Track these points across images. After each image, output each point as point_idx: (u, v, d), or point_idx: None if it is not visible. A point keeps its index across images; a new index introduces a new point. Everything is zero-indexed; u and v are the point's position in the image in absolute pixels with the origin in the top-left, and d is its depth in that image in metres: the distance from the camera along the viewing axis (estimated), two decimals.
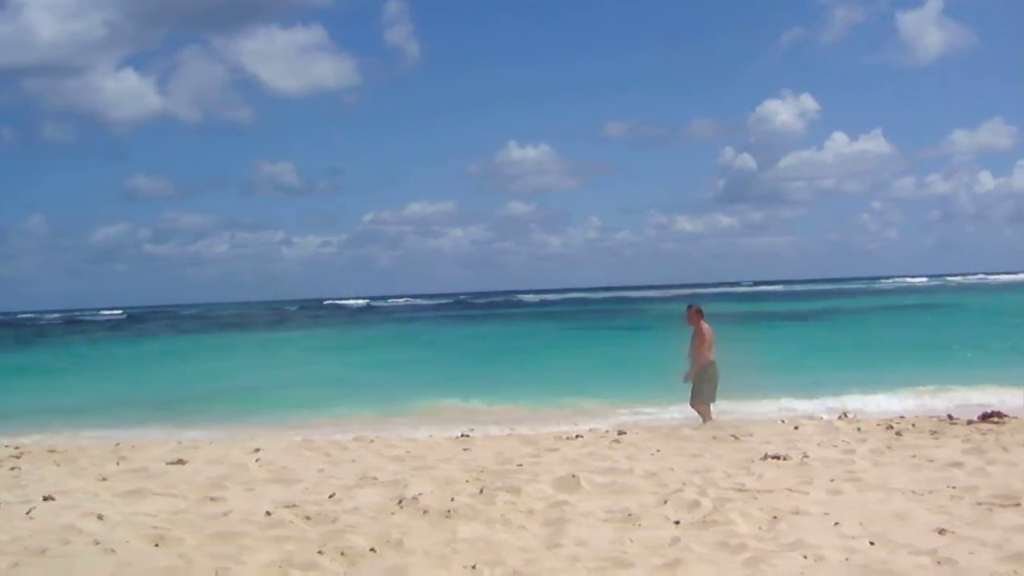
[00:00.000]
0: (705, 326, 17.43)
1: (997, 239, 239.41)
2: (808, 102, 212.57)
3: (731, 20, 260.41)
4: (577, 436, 15.41)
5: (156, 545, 8.43)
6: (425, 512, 9.67)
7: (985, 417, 15.52)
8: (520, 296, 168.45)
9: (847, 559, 7.76)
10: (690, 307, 17.92)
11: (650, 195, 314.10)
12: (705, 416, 17.21)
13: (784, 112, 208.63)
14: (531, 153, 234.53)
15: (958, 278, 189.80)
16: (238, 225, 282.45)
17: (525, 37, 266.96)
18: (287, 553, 8.27)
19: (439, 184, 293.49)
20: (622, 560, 7.97)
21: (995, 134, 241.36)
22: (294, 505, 10.08)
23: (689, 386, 17.46)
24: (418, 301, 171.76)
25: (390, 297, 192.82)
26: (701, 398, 17.32)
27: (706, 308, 17.83)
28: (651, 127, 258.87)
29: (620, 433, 15.48)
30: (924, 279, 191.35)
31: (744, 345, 45.43)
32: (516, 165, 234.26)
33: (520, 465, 12.41)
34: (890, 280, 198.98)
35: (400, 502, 10.14)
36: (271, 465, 13.01)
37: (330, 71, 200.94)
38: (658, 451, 13.39)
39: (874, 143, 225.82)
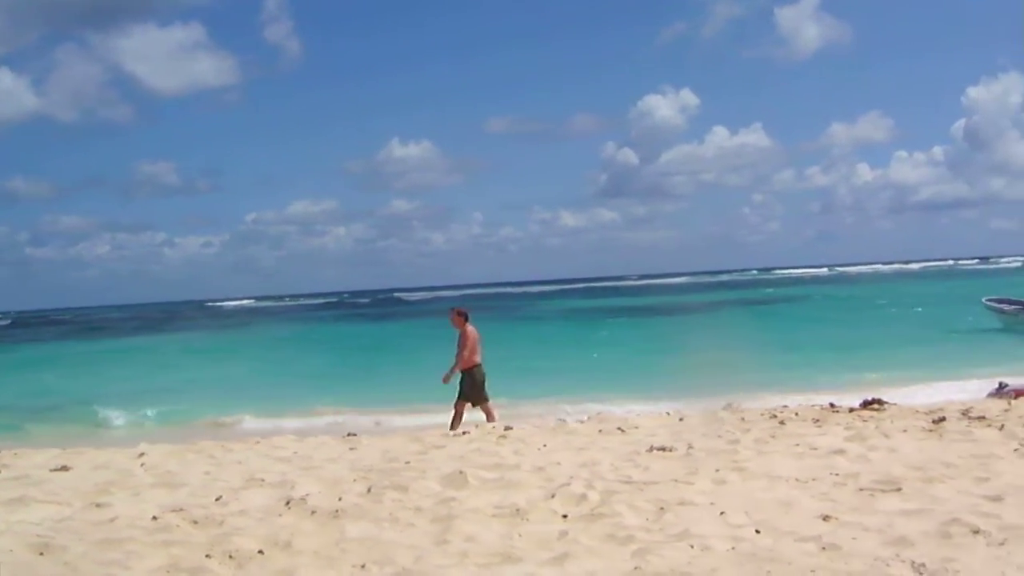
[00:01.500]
0: (469, 328, 17.64)
1: (875, 230, 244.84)
2: (688, 97, 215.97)
3: (611, 15, 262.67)
4: (464, 432, 15.39)
5: (41, 554, 8.28)
6: (313, 512, 9.61)
7: (866, 404, 15.76)
8: (404, 294, 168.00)
9: (733, 548, 7.85)
10: (452, 310, 18.13)
11: (533, 190, 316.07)
12: (457, 418, 17.44)
13: (665, 107, 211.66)
14: (413, 150, 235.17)
15: (860, 268, 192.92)
16: (119, 227, 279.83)
17: (405, 35, 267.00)
18: (174, 558, 8.16)
19: (321, 183, 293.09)
20: (511, 555, 7.99)
21: (872, 127, 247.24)
22: (180, 509, 9.92)
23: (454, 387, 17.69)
24: (302, 301, 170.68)
25: (274, 297, 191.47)
26: (463, 399, 17.54)
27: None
28: (533, 122, 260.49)
29: (507, 428, 15.49)
30: (823, 270, 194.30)
31: (634, 340, 45.90)
32: (399, 162, 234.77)
33: (407, 463, 12.36)
34: (772, 272, 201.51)
35: (288, 503, 10.05)
36: (156, 469, 12.83)
37: (210, 70, 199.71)
38: (545, 446, 13.41)
39: (754, 137, 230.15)
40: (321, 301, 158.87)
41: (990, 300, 40.32)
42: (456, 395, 17.62)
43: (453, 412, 17.53)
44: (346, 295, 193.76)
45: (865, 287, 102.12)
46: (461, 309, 18.03)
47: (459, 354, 17.54)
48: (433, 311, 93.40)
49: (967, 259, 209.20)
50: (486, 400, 17.66)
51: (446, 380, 17.51)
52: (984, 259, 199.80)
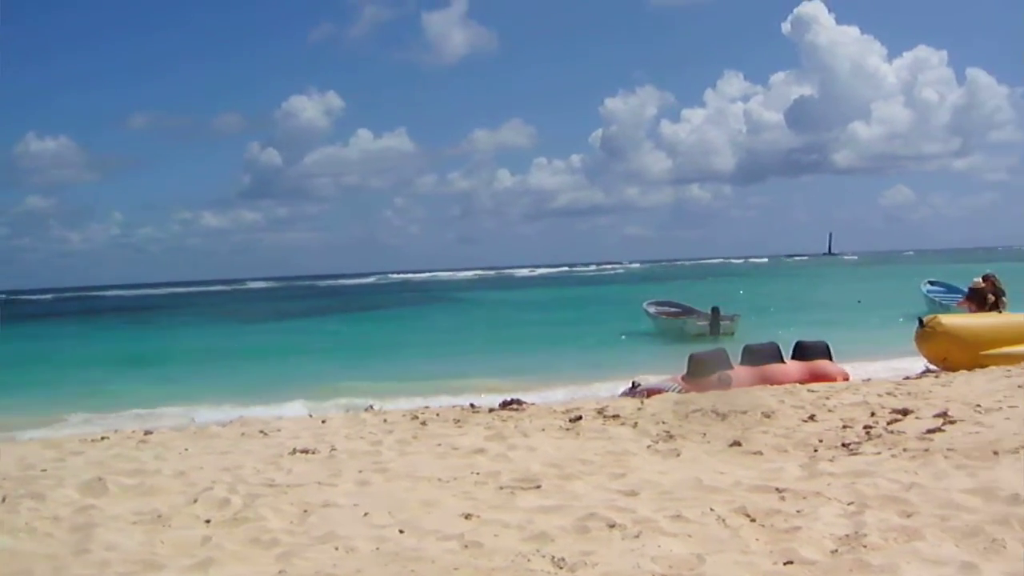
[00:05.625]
0: None
1: (515, 234, 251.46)
2: (334, 99, 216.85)
3: (260, 11, 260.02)
4: (102, 438, 14.94)
5: None
6: None
7: (505, 405, 16.13)
8: (37, 297, 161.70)
9: (378, 548, 7.90)
10: None
11: (175, 190, 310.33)
12: None
13: (310, 108, 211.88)
14: (50, 145, 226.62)
15: (508, 271, 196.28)
16: None
17: (41, 22, 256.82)
18: None
19: None
20: (153, 562, 7.82)
21: (514, 134, 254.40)
22: None
23: None
24: None
25: None
26: None
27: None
28: (177, 118, 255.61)
29: (147, 433, 15.14)
30: (466, 274, 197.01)
31: (260, 345, 45.39)
32: (34, 158, 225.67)
33: (44, 470, 11.91)
34: (422, 274, 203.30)
35: None
36: None
37: None
38: (186, 450, 13.17)
39: (398, 140, 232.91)
40: None
41: (649, 304, 41.61)
42: None
43: None
44: None
45: (516, 292, 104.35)
46: None
47: None
48: (73, 313, 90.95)
49: (637, 263, 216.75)
50: None
51: None
52: (656, 262, 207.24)
